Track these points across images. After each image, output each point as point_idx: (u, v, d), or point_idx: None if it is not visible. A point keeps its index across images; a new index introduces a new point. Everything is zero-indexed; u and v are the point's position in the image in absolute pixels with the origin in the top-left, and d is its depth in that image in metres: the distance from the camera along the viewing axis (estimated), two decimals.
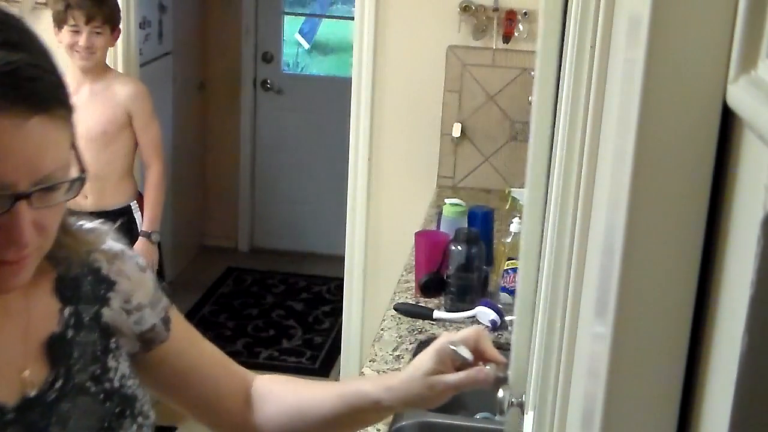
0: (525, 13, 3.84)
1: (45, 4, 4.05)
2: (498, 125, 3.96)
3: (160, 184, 3.60)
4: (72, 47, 3.43)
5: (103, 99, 3.50)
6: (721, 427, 0.57)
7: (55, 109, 1.05)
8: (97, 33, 3.43)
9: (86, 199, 3.52)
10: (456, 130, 3.93)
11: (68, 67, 3.51)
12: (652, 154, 0.65)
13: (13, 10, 4.05)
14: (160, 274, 3.75)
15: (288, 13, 6.09)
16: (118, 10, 3.57)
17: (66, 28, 3.43)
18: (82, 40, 3.41)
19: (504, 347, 2.60)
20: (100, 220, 1.31)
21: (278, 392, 1.45)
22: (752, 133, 0.57)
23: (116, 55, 4.07)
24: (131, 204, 3.60)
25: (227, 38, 5.84)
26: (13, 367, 1.16)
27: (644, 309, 0.67)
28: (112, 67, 3.72)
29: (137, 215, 3.60)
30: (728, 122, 0.63)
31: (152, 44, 4.96)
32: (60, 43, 3.45)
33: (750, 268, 0.53)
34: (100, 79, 3.51)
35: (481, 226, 2.94)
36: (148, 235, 3.55)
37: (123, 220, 3.60)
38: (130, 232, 3.57)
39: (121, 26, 3.64)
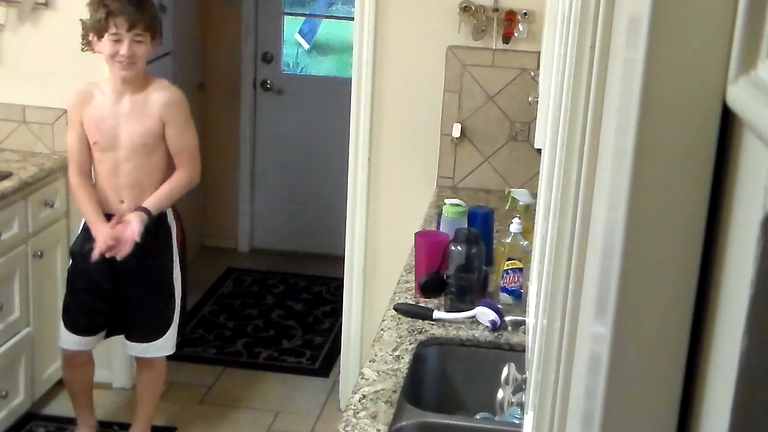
0: (525, 14, 3.84)
1: (45, 4, 4.06)
2: (498, 125, 3.96)
3: (183, 185, 3.51)
4: (113, 57, 3.34)
5: (143, 110, 3.43)
6: (721, 427, 0.57)
7: None
8: (139, 41, 3.35)
9: (123, 204, 3.49)
10: (456, 131, 3.93)
11: (108, 77, 3.46)
12: (652, 154, 0.65)
13: (13, 10, 4.04)
14: (182, 259, 3.66)
15: (288, 14, 6.09)
16: (158, 17, 3.50)
17: (107, 37, 3.33)
18: (123, 48, 3.32)
19: (503, 347, 2.60)
20: None
21: None
22: (752, 133, 0.57)
23: None
24: (166, 210, 3.54)
25: (227, 38, 5.84)
26: None
27: (644, 309, 0.67)
28: (151, 75, 3.60)
29: (172, 223, 3.56)
30: (728, 122, 0.63)
31: None
32: (100, 53, 3.39)
33: (750, 268, 0.53)
34: (140, 89, 3.43)
35: (481, 227, 2.94)
36: (143, 210, 3.43)
37: (157, 227, 3.51)
38: (164, 238, 3.54)
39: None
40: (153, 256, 3.53)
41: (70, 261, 3.66)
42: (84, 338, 3.66)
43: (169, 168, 3.55)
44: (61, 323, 3.67)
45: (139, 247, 3.46)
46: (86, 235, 3.54)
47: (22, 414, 3.91)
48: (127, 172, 3.47)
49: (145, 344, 3.65)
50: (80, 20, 3.52)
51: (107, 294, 3.58)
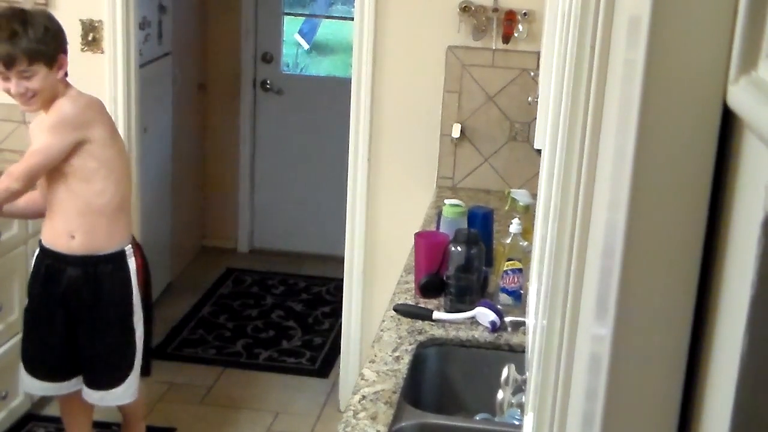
0: (525, 14, 3.84)
1: (45, 4, 4.06)
2: (497, 126, 3.96)
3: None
4: (9, 94, 3.09)
5: None
6: (722, 428, 0.56)
7: None
8: (26, 77, 3.03)
9: (73, 239, 3.20)
10: (455, 131, 3.93)
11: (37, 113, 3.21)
12: (652, 154, 0.65)
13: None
14: (147, 286, 3.41)
15: (288, 14, 6.09)
16: (47, 38, 3.08)
17: None
18: (12, 87, 3.04)
19: (503, 348, 2.60)
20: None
21: None
22: (752, 134, 0.57)
23: (116, 56, 4.07)
24: (125, 249, 3.25)
25: (227, 39, 5.84)
26: None
27: (644, 309, 0.67)
28: (68, 92, 3.16)
29: (131, 261, 3.25)
30: (728, 122, 0.63)
31: (152, 44, 4.95)
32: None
33: (750, 268, 0.53)
34: None
35: (481, 227, 2.94)
36: None
37: (113, 267, 3.21)
38: (121, 277, 3.25)
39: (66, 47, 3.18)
40: (109, 296, 3.25)
41: (27, 300, 3.37)
42: (47, 384, 3.40)
43: (123, 192, 3.26)
44: (22, 366, 3.42)
45: (93, 288, 3.23)
46: (36, 272, 3.30)
47: (21, 415, 3.91)
48: (69, 204, 3.19)
49: (101, 392, 3.34)
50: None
51: (62, 339, 3.30)
